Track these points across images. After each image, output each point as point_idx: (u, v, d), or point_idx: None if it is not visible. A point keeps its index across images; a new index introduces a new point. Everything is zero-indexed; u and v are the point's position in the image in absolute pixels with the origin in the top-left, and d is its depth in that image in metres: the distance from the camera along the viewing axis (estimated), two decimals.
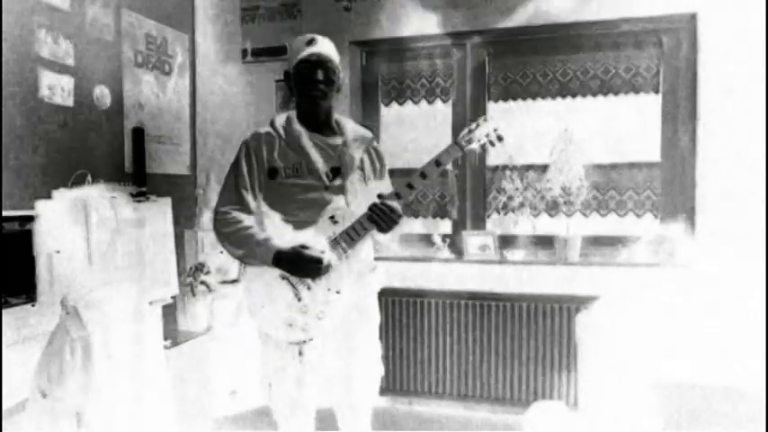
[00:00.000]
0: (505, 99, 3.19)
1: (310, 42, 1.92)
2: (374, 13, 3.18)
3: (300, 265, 1.81)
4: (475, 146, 1.93)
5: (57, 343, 2.08)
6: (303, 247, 1.82)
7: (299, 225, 1.88)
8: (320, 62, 1.90)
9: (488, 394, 3.01)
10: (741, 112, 2.72)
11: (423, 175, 1.89)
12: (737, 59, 2.71)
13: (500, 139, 1.94)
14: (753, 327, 2.64)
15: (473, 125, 1.95)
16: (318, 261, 1.81)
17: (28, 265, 2.25)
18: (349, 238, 1.86)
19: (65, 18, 2.56)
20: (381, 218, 1.83)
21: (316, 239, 1.86)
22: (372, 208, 1.84)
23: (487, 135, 1.93)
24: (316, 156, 1.92)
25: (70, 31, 2.59)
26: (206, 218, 3.22)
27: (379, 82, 3.37)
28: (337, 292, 1.87)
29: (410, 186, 1.88)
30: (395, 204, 1.84)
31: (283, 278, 1.86)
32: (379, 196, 1.87)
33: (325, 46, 1.93)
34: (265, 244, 1.83)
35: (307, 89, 1.91)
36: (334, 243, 1.86)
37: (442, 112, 3.28)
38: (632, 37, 2.98)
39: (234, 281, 3.19)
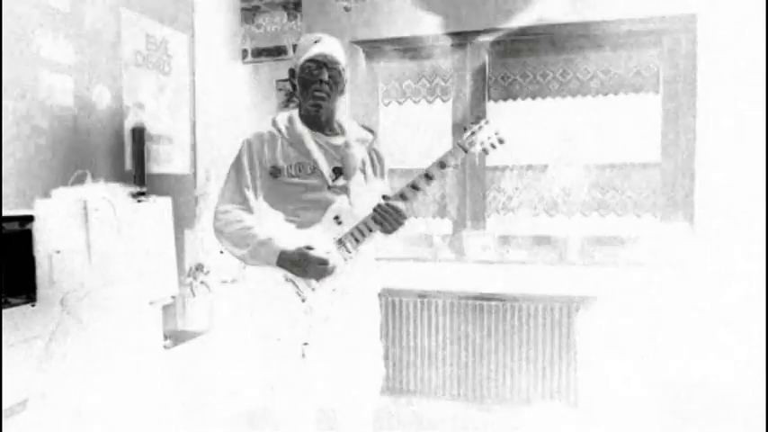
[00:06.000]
0: (505, 99, 3.19)
1: (318, 42, 1.90)
2: (374, 13, 3.18)
3: (306, 266, 1.81)
4: (477, 148, 1.94)
5: (57, 343, 2.08)
6: (308, 247, 1.82)
7: (302, 225, 1.88)
8: (326, 63, 1.89)
9: (488, 394, 3.01)
10: (741, 112, 2.72)
11: (428, 176, 1.89)
12: (737, 59, 2.72)
13: (501, 142, 1.95)
14: (752, 327, 2.64)
15: (475, 127, 1.95)
16: (324, 262, 1.81)
17: (28, 265, 2.24)
18: (354, 238, 1.86)
19: (65, 18, 2.56)
20: (386, 219, 1.83)
21: (321, 240, 1.85)
22: (377, 209, 1.83)
23: (489, 138, 1.94)
24: (319, 156, 1.92)
25: (70, 31, 2.59)
26: (206, 218, 3.22)
27: (379, 82, 3.37)
28: (342, 293, 1.87)
29: (415, 187, 1.88)
30: (399, 205, 1.84)
31: (287, 279, 1.85)
32: (384, 197, 1.87)
33: (332, 46, 1.92)
34: (269, 244, 1.82)
35: (311, 89, 1.90)
36: (340, 244, 1.86)
37: (442, 112, 3.28)
38: (632, 37, 2.98)
39: (234, 281, 3.19)
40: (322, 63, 1.88)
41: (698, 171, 2.84)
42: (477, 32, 3.11)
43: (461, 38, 3.16)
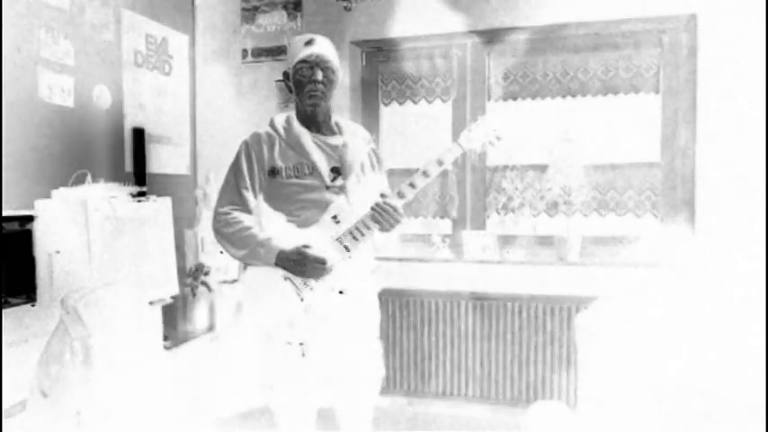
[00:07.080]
0: (505, 99, 3.19)
1: (309, 43, 1.91)
2: (374, 13, 3.18)
3: (304, 265, 1.81)
4: (475, 145, 1.94)
5: (57, 343, 2.08)
6: (306, 246, 1.83)
7: (301, 225, 1.88)
8: (319, 63, 1.90)
9: (488, 394, 3.01)
10: (741, 112, 2.72)
11: (425, 173, 1.90)
12: (737, 59, 2.72)
13: (499, 139, 1.95)
14: (752, 327, 2.64)
15: (473, 125, 1.96)
16: (322, 261, 1.81)
17: (28, 265, 2.25)
18: (352, 237, 1.86)
19: (65, 18, 2.56)
20: (384, 217, 1.83)
21: (319, 239, 1.86)
22: (375, 207, 1.84)
23: (486, 135, 1.95)
24: (317, 156, 1.92)
25: (70, 31, 2.59)
26: (206, 218, 3.22)
27: (379, 82, 3.37)
28: (340, 293, 1.87)
29: (412, 185, 1.89)
30: (397, 204, 1.85)
31: (286, 278, 1.86)
32: (382, 195, 1.87)
33: (324, 46, 1.93)
34: (268, 244, 1.83)
35: (306, 90, 1.91)
36: (338, 243, 1.86)
37: (442, 112, 3.28)
38: (632, 37, 2.98)
39: (234, 281, 3.19)
40: (315, 63, 1.89)
41: (698, 171, 2.84)
42: (478, 32, 3.11)
43: (461, 38, 3.16)
